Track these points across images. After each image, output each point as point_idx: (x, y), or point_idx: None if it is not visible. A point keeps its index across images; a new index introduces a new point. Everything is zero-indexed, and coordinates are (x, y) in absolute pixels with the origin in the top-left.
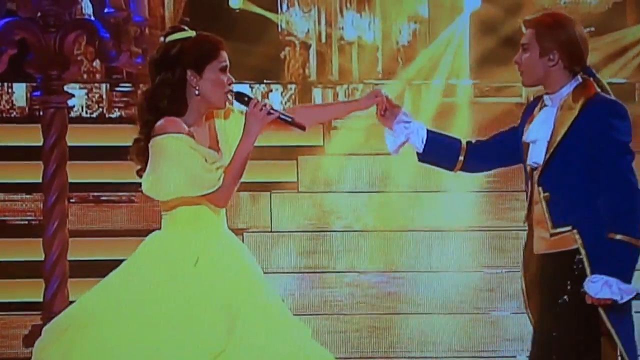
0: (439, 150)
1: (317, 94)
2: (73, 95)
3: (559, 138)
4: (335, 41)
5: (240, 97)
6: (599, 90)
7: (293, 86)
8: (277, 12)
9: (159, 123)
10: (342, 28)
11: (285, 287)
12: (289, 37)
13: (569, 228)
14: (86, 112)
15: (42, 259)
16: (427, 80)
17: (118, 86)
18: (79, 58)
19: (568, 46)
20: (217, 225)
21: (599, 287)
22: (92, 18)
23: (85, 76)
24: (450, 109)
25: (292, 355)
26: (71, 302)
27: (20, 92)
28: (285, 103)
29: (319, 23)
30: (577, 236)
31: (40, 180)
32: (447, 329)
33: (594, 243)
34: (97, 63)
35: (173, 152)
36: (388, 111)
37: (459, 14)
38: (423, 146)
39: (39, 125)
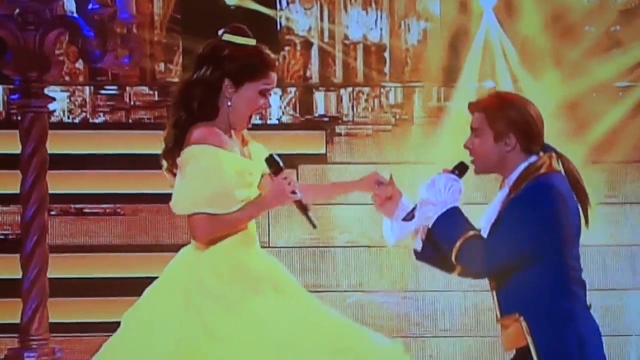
0: (439, 251)
1: (319, 98)
2: (54, 99)
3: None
4: (339, 40)
5: (273, 163)
6: (558, 169)
7: (293, 89)
8: (275, 9)
9: (196, 132)
10: (347, 26)
11: None
12: (288, 35)
13: (516, 316)
14: (68, 117)
15: (20, 276)
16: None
17: (103, 89)
18: (60, 58)
19: (523, 126)
20: (254, 238)
21: None
22: (75, 15)
23: (67, 78)
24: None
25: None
26: (51, 324)
27: None
28: (285, 107)
29: (322, 20)
30: (524, 324)
31: (17, 191)
32: (464, 353)
33: (542, 331)
34: (80, 64)
35: (202, 164)
36: (388, 201)
37: (473, 11)
38: (422, 244)
39: (17, 131)
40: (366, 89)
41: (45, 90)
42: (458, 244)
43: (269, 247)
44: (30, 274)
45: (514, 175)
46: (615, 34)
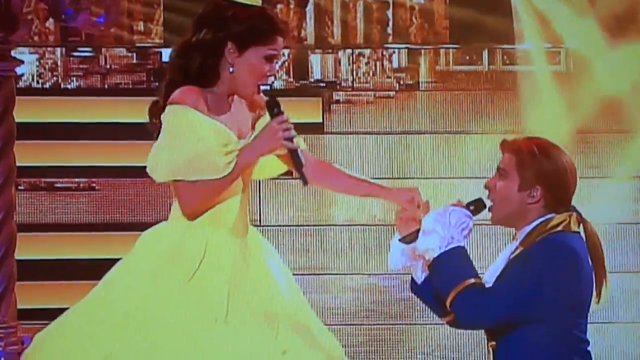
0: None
1: (315, 61)
2: (22, 62)
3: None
4: None
5: (271, 105)
6: (577, 230)
7: (286, 51)
8: None
9: (176, 91)
10: None
11: None
12: None
13: None
14: (37, 82)
15: None
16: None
17: (76, 51)
18: (29, 17)
19: (553, 181)
20: (234, 217)
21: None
22: None
23: (36, 38)
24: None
25: None
26: (19, 310)
27: None
28: (278, 71)
29: None
30: None
31: None
32: (472, 341)
33: None
34: (50, 23)
35: (178, 126)
36: (412, 222)
37: None
38: (422, 278)
39: None
40: (367, 51)
41: (12, 53)
42: (456, 290)
43: (259, 225)
44: None
45: (527, 229)
46: None
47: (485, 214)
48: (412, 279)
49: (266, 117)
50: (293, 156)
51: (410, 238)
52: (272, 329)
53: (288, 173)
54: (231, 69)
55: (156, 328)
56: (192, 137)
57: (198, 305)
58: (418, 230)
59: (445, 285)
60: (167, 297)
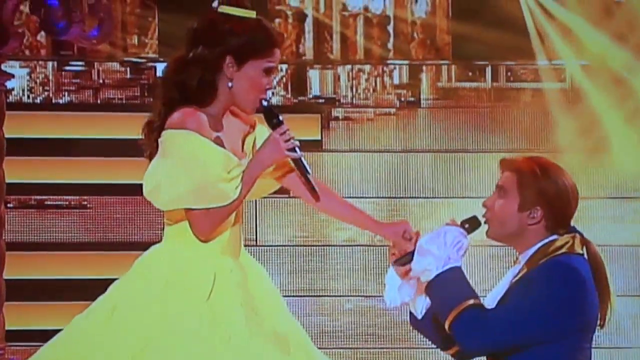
0: (439, 324)
1: (314, 76)
2: (12, 76)
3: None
4: (337, 11)
5: (270, 114)
6: (581, 252)
7: (284, 67)
8: None
9: (176, 114)
10: None
11: None
12: (279, 5)
13: None
14: (28, 97)
15: None
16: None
17: (68, 65)
18: (20, 30)
19: (554, 202)
20: (229, 237)
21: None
22: None
23: (27, 52)
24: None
25: None
26: (7, 332)
27: None
28: (276, 87)
29: None
30: None
31: None
32: None
33: None
34: (42, 36)
35: (183, 153)
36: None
37: None
38: (423, 313)
39: None
40: (367, 67)
41: (3, 66)
42: (456, 311)
43: (256, 245)
44: None
45: (530, 251)
46: None
47: (484, 236)
48: (411, 313)
49: (253, 135)
50: (298, 165)
51: (405, 260)
52: (284, 348)
53: (285, 191)
54: (230, 84)
55: (179, 355)
56: (197, 165)
57: (216, 329)
58: (413, 252)
59: (443, 307)
60: (183, 323)
